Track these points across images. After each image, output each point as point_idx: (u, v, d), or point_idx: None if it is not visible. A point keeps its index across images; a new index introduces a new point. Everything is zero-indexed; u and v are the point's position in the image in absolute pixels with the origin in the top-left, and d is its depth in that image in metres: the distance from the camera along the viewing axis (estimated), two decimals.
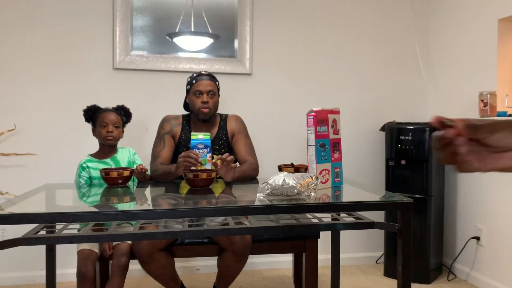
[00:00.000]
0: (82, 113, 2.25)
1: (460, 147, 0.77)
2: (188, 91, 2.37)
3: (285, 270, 3.12)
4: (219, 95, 2.40)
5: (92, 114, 2.22)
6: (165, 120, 2.40)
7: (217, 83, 2.39)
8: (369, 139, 3.31)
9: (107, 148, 2.24)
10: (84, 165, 2.18)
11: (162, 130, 2.37)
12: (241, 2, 3.04)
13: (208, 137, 2.15)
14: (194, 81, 2.33)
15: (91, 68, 2.90)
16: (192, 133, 2.17)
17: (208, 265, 3.05)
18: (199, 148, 2.12)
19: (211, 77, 2.37)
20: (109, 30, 2.91)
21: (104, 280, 2.31)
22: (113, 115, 2.22)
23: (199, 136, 2.14)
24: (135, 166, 2.21)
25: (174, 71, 3.00)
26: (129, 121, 2.32)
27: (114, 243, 2.07)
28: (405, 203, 1.60)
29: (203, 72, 2.37)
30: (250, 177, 2.25)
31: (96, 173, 2.15)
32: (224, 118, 2.45)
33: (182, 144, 2.34)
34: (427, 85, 3.36)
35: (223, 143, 2.37)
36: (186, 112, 2.47)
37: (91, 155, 2.23)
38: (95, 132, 2.23)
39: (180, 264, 3.02)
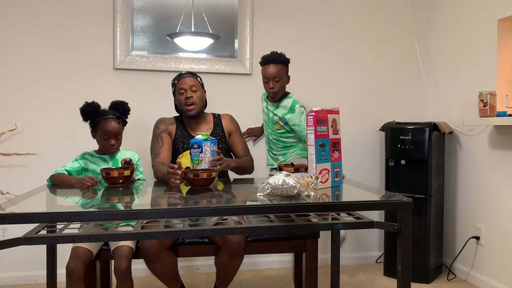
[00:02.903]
0: (80, 111, 2.19)
1: None
2: (174, 93, 2.46)
3: (285, 270, 3.13)
4: (204, 91, 2.47)
5: (94, 114, 2.18)
6: (159, 121, 2.49)
7: (198, 78, 2.46)
8: (369, 139, 3.31)
9: None
10: (85, 155, 2.20)
11: (158, 130, 2.44)
12: (241, 2, 3.05)
13: (206, 136, 2.15)
14: (176, 81, 2.43)
15: (92, 68, 2.91)
16: (198, 133, 2.22)
17: (208, 264, 3.05)
18: (194, 148, 2.15)
19: (192, 74, 2.46)
20: (109, 30, 2.92)
21: (105, 281, 2.32)
22: (114, 125, 2.17)
23: (197, 136, 2.16)
24: (137, 173, 2.22)
25: (174, 71, 3.00)
26: (127, 118, 2.27)
27: (113, 247, 2.06)
28: (404, 203, 1.60)
29: (183, 72, 2.48)
30: (247, 168, 2.45)
31: (92, 167, 2.17)
32: (217, 116, 2.54)
33: (178, 140, 2.41)
34: (427, 85, 3.37)
35: (220, 139, 2.44)
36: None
37: (95, 151, 2.25)
38: (94, 135, 2.21)
39: (181, 264, 3.03)
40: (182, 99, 2.38)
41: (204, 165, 2.12)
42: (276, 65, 2.46)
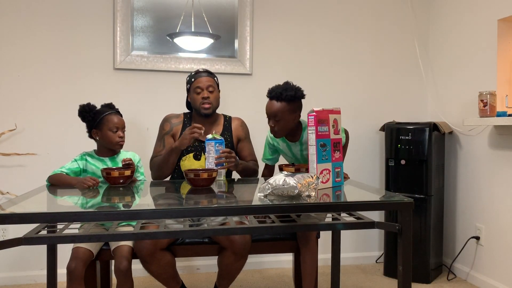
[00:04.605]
0: (78, 112, 2.19)
1: None
2: (188, 90, 2.43)
3: (285, 270, 3.13)
4: (219, 91, 2.45)
5: (93, 115, 2.19)
6: (165, 120, 2.46)
7: (215, 78, 2.44)
8: (369, 139, 3.31)
9: (109, 149, 2.23)
10: (84, 156, 2.19)
11: (162, 131, 2.43)
12: (241, 2, 3.05)
13: (213, 136, 2.16)
14: (193, 79, 2.39)
15: (92, 68, 2.91)
16: (215, 132, 2.23)
17: (208, 264, 3.05)
18: (205, 146, 2.17)
19: (209, 73, 2.42)
20: (109, 30, 2.92)
21: (105, 281, 2.32)
22: (120, 119, 2.21)
23: (208, 135, 2.17)
24: (138, 174, 2.21)
25: (174, 71, 3.00)
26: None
27: (114, 247, 2.06)
28: (405, 203, 1.60)
29: (200, 70, 2.44)
30: (253, 173, 2.41)
31: (91, 168, 2.16)
32: (228, 119, 2.50)
33: None
34: (427, 85, 3.37)
35: (227, 144, 2.40)
36: (187, 111, 2.52)
37: (95, 151, 2.24)
38: (96, 134, 2.20)
39: (181, 264, 3.03)
40: (198, 98, 2.35)
41: (208, 165, 2.13)
42: (276, 102, 2.18)
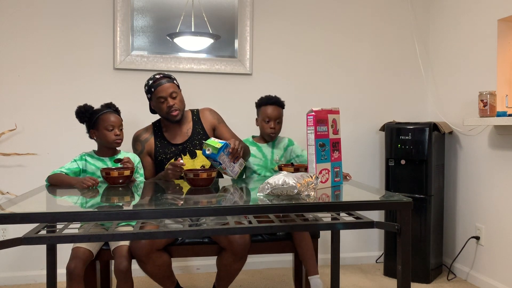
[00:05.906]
0: (75, 114, 2.19)
1: None
2: (150, 99, 2.36)
3: (285, 270, 3.12)
4: (180, 90, 2.39)
5: (90, 115, 2.18)
6: (135, 140, 2.41)
7: (175, 81, 2.36)
8: (369, 139, 3.31)
9: (109, 149, 2.23)
10: (84, 156, 2.19)
11: (135, 152, 2.39)
12: (241, 2, 3.05)
13: (215, 149, 2.03)
14: (153, 89, 2.31)
15: (92, 68, 2.91)
16: (204, 143, 2.07)
17: (208, 264, 3.05)
18: (211, 160, 2.07)
19: (168, 78, 2.33)
20: (109, 30, 2.92)
21: (105, 281, 2.32)
22: (116, 117, 2.20)
23: (207, 150, 2.03)
24: (137, 175, 2.22)
25: (174, 71, 3.00)
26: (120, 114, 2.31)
27: (113, 247, 2.06)
28: (404, 203, 1.60)
29: (157, 76, 2.32)
30: (247, 151, 2.35)
31: (90, 168, 2.16)
32: (196, 113, 2.47)
33: (160, 153, 2.36)
34: (427, 85, 3.37)
35: (201, 137, 2.38)
36: (154, 117, 2.47)
37: (95, 151, 2.24)
38: (94, 134, 2.20)
39: (181, 264, 3.03)
40: (163, 107, 2.29)
41: (231, 168, 2.10)
42: (278, 107, 2.51)
